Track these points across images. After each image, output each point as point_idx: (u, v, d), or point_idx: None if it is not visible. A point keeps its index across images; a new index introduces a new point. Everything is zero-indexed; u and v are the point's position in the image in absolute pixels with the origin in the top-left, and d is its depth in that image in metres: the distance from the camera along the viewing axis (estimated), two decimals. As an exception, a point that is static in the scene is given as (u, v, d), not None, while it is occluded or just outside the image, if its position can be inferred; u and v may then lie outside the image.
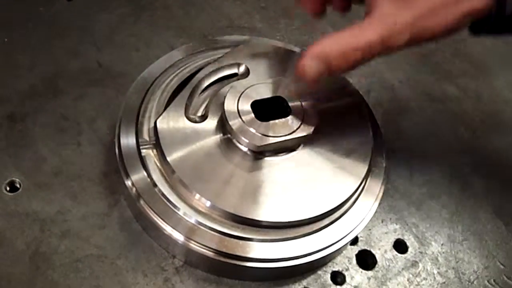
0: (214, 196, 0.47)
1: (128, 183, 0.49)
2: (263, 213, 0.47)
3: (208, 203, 0.47)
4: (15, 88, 0.58)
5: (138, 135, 0.51)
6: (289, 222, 0.48)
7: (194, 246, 0.47)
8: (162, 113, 0.52)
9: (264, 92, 0.53)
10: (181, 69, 0.58)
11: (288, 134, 0.50)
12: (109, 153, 0.54)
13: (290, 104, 0.52)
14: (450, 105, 0.69)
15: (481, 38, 0.77)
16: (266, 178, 0.50)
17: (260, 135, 0.50)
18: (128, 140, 0.51)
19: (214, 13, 0.71)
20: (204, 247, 0.47)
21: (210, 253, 0.47)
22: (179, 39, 0.67)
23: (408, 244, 0.56)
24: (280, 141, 0.50)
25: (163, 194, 0.48)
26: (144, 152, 0.50)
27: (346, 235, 0.50)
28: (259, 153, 0.51)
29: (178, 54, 0.59)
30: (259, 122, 0.51)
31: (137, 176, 0.49)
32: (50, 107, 0.57)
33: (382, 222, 0.57)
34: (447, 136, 0.66)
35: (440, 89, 0.70)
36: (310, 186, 0.50)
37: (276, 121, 0.51)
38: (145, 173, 0.49)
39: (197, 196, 0.47)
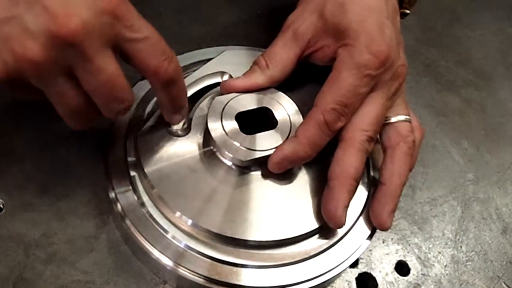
0: (196, 215, 0.45)
1: (115, 203, 0.47)
2: (251, 232, 0.45)
3: (189, 222, 0.45)
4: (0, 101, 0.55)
5: (126, 153, 0.49)
6: (281, 240, 0.46)
7: (184, 272, 0.45)
8: (143, 126, 0.49)
9: (249, 103, 0.51)
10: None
11: (275, 148, 0.48)
12: (97, 171, 0.52)
13: (277, 115, 0.50)
14: (453, 117, 0.67)
15: (486, 46, 0.76)
16: (253, 194, 0.48)
17: (245, 149, 0.48)
18: (116, 158, 0.49)
19: (208, 21, 0.69)
20: (194, 273, 0.44)
21: (201, 280, 0.44)
22: (172, 48, 0.64)
23: (410, 265, 0.53)
24: (266, 155, 0.47)
25: (150, 216, 0.46)
26: (133, 172, 0.48)
27: (345, 260, 0.48)
28: (245, 168, 0.49)
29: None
30: (244, 135, 0.48)
31: (124, 196, 0.47)
32: (37, 122, 0.54)
33: (383, 242, 0.54)
34: (450, 151, 0.64)
35: (443, 101, 0.68)
36: (300, 200, 0.48)
37: (262, 133, 0.49)
38: (133, 193, 0.47)
39: (178, 213, 0.45)
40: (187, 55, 0.59)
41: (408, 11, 0.57)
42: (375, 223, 0.49)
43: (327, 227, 0.47)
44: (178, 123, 0.50)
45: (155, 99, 0.52)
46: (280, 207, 0.47)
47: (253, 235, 0.45)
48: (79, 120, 0.43)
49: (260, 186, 0.48)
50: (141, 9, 0.67)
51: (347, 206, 0.46)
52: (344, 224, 0.46)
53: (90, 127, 0.47)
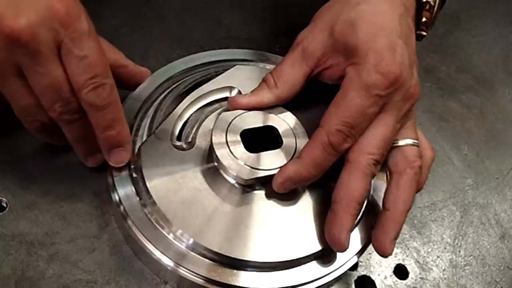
0: (197, 232, 0.45)
1: (118, 203, 0.48)
2: (251, 252, 0.45)
3: (191, 240, 0.45)
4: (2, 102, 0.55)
5: (129, 154, 0.49)
6: (280, 262, 0.46)
7: (184, 273, 0.45)
8: (147, 138, 0.50)
9: (255, 120, 0.50)
10: (177, 84, 0.56)
11: (279, 167, 0.47)
12: (100, 172, 0.52)
13: (282, 134, 0.50)
14: (453, 123, 0.67)
15: (487, 52, 0.76)
16: (255, 214, 0.47)
17: (248, 167, 0.47)
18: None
19: (212, 23, 0.69)
20: (195, 274, 0.45)
21: (201, 281, 0.45)
22: (175, 50, 0.65)
23: (409, 269, 0.54)
24: (270, 175, 0.47)
25: (152, 216, 0.46)
26: (135, 173, 0.48)
27: (345, 263, 0.48)
28: (248, 186, 0.48)
29: (173, 68, 0.57)
30: (248, 153, 0.48)
31: (127, 197, 0.47)
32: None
33: (382, 246, 0.55)
34: (450, 156, 0.64)
35: (443, 106, 0.68)
36: (303, 221, 0.48)
37: (266, 152, 0.49)
38: (135, 194, 0.48)
39: (179, 231, 0.45)
40: (190, 58, 0.59)
41: (425, 33, 0.54)
42: (377, 249, 0.47)
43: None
44: (96, 164, 0.50)
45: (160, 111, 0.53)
46: (281, 228, 0.47)
47: (252, 255, 0.45)
48: (33, 123, 0.45)
49: (262, 206, 0.48)
50: (144, 12, 0.68)
51: (351, 230, 0.46)
52: (347, 248, 0.45)
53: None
